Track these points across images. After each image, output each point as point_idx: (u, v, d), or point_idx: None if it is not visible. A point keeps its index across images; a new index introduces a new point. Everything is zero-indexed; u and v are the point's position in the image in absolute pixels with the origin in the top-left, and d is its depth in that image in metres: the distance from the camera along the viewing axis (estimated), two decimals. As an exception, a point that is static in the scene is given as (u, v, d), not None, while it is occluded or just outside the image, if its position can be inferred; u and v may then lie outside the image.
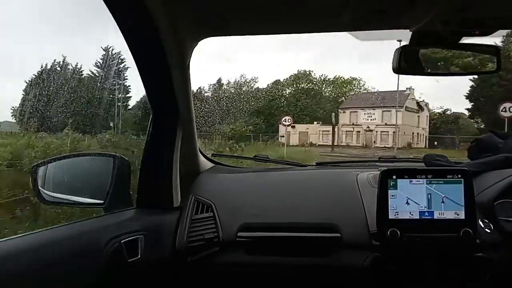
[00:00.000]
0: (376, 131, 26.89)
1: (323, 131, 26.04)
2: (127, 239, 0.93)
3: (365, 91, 32.33)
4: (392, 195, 1.00)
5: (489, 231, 1.01)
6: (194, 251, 1.07)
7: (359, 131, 27.32)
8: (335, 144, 23.83)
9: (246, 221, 1.11)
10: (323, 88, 33.70)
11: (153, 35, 0.92)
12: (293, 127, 24.39)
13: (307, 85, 32.79)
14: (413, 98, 27.69)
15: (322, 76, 33.71)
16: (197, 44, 1.12)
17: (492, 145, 1.26)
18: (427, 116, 30.53)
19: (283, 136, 20.10)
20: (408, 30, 1.01)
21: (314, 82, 33.45)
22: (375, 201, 1.02)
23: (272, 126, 24.60)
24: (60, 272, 0.79)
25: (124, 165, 1.11)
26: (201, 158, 1.38)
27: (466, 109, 26.61)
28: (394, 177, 1.01)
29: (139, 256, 0.95)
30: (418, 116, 28.66)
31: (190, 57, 1.11)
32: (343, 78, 33.81)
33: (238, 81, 31.28)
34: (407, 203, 1.00)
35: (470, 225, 0.97)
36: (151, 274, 1.00)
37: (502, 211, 1.03)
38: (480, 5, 0.89)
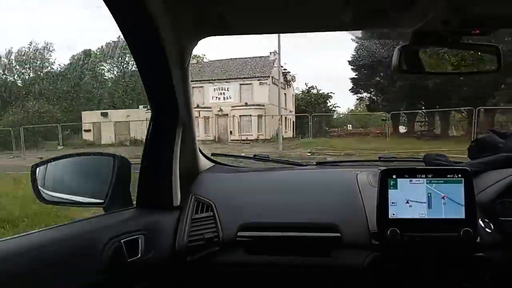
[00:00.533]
0: (233, 115, 18.36)
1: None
2: (127, 239, 0.93)
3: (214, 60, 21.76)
4: (392, 195, 1.00)
5: (489, 230, 1.01)
6: (194, 250, 1.07)
7: (208, 117, 18.50)
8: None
9: (246, 220, 1.11)
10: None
11: (153, 35, 0.92)
12: (104, 114, 16.55)
13: (131, 57, 23.72)
14: (282, 67, 19.12)
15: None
16: (197, 44, 1.12)
17: (492, 144, 1.25)
18: (293, 94, 22.93)
19: (89, 130, 12.99)
20: (408, 30, 1.01)
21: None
22: (375, 201, 1.02)
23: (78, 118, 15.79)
24: (60, 272, 0.79)
25: (124, 165, 1.11)
26: (201, 157, 1.38)
27: (351, 78, 20.31)
28: (394, 176, 1.01)
29: (139, 255, 0.95)
30: (285, 94, 20.58)
31: (190, 56, 1.12)
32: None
33: (25, 51, 20.27)
34: (407, 202, 1.00)
35: (471, 224, 0.97)
36: (151, 274, 1.00)
37: (502, 210, 1.03)
38: (480, 5, 0.90)
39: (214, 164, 1.46)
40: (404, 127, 20.51)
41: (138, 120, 14.42)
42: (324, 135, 17.58)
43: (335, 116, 26.04)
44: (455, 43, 1.02)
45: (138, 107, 17.39)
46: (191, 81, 1.19)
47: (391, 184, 1.01)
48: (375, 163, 1.51)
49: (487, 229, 1.01)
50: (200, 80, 18.93)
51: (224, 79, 19.12)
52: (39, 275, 0.75)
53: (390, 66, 1.02)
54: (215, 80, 19.20)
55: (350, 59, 19.94)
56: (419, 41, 1.02)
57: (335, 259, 1.06)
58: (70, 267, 0.81)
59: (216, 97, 19.23)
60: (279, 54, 17.77)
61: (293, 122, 20.34)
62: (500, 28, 1.00)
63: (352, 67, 20.06)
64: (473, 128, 13.40)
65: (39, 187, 1.05)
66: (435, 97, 16.65)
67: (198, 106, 17.76)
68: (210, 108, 18.72)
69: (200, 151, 1.37)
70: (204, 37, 1.11)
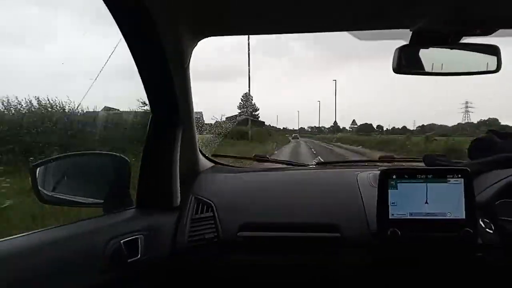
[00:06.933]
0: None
1: None
2: (126, 239, 0.93)
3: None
4: (392, 195, 1.00)
5: (489, 231, 1.01)
6: (194, 251, 1.07)
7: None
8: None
9: (246, 220, 1.11)
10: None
11: (153, 35, 0.92)
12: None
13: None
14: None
15: None
16: (197, 44, 1.12)
17: (492, 144, 1.25)
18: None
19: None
20: (408, 30, 1.01)
21: None
22: (375, 201, 1.02)
23: None
24: (60, 272, 0.79)
25: (124, 165, 1.11)
26: (201, 158, 1.38)
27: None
28: (394, 177, 1.01)
29: (139, 256, 0.95)
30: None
31: (190, 57, 1.11)
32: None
33: None
34: (407, 203, 1.00)
35: (470, 225, 0.97)
36: (151, 274, 1.00)
37: (502, 211, 1.03)
38: (480, 5, 0.90)
39: (214, 164, 1.46)
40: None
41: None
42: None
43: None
44: (455, 43, 1.02)
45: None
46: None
47: (391, 184, 1.01)
48: (375, 163, 1.51)
49: (487, 230, 1.01)
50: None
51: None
52: (38, 276, 0.75)
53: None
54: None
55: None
56: (419, 41, 1.02)
57: (335, 259, 1.06)
58: (69, 268, 0.81)
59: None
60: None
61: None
62: (500, 28, 1.00)
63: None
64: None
65: (39, 187, 1.05)
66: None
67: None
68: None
69: (200, 151, 1.38)
70: (204, 37, 1.11)
